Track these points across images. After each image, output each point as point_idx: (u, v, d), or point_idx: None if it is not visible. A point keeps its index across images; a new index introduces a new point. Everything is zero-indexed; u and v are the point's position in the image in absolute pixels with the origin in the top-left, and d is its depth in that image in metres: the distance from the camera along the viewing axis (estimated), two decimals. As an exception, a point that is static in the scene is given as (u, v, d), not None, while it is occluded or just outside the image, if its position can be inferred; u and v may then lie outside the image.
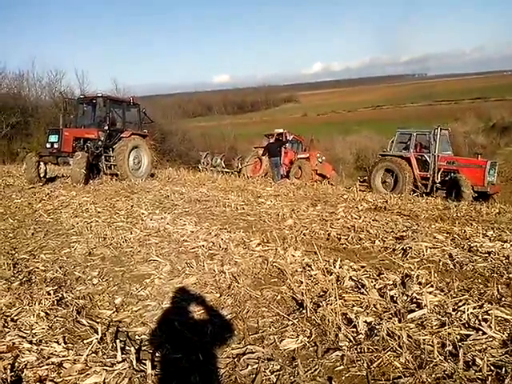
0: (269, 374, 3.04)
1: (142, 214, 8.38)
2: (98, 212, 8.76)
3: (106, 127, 14.97)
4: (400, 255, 5.74)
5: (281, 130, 23.30)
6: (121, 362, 3.13)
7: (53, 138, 14.02)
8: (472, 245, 6.07)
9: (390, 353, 3.16)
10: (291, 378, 2.99)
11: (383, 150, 19.74)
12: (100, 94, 15.49)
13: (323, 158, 22.85)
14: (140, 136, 16.19)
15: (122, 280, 5.00)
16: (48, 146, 14.15)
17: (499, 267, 5.14)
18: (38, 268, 5.46)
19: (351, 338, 3.42)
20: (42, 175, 13.93)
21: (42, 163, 13.98)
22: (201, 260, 5.45)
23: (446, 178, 15.94)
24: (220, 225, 7.51)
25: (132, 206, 9.34)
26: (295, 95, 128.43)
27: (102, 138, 14.86)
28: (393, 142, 17.98)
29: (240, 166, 23.94)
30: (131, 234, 6.87)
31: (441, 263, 5.35)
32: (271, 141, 18.67)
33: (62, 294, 4.53)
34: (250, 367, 3.13)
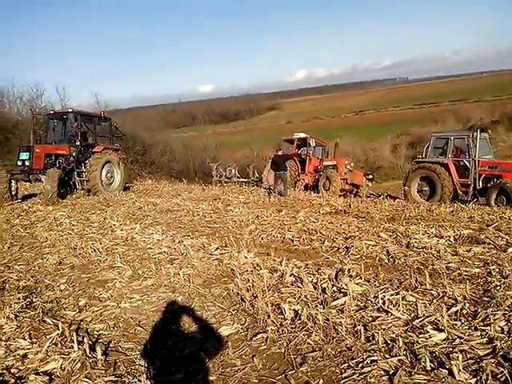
0: (203, 354, 3.58)
1: (114, 225, 8.90)
2: (72, 225, 9.25)
3: (78, 142, 14.99)
4: (343, 253, 6.34)
5: (302, 135, 21.01)
6: (76, 351, 3.66)
7: (24, 156, 13.90)
8: (411, 241, 6.71)
9: (305, 333, 3.74)
10: (221, 357, 3.55)
11: (418, 156, 18.32)
12: (70, 109, 15.54)
13: (352, 164, 20.82)
14: (112, 150, 16.28)
15: (87, 285, 5.52)
16: (19, 163, 13.98)
17: (428, 260, 5.76)
18: (11, 278, 5.96)
19: (277, 323, 3.99)
20: (13, 193, 13.71)
21: (13, 181, 13.79)
22: (161, 265, 5.99)
23: (489, 185, 14.51)
24: (186, 233, 8.06)
25: (105, 218, 9.85)
26: (279, 103, 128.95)
27: (74, 154, 14.87)
28: (428, 147, 16.55)
29: (257, 175, 22.41)
30: (100, 244, 7.38)
31: (377, 258, 5.96)
32: (279, 153, 17.05)
33: (31, 299, 5.04)
34: (187, 350, 3.68)
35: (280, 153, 16.85)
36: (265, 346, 3.66)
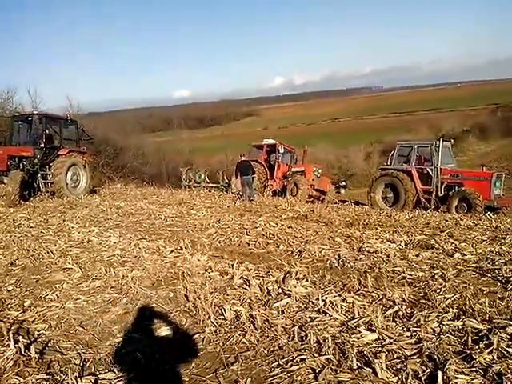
0: (138, 354, 3.60)
1: (72, 227, 8.84)
2: (30, 227, 9.16)
3: (42, 145, 14.91)
4: (296, 256, 6.43)
5: (271, 141, 21.25)
6: (12, 349, 3.64)
7: None
8: (363, 246, 6.84)
9: (241, 333, 3.80)
10: (157, 356, 3.57)
11: (383, 163, 18.59)
12: (35, 112, 15.46)
13: (319, 170, 21.06)
14: (78, 153, 16.17)
15: (35, 286, 5.47)
16: None
17: (376, 264, 5.88)
18: (-42, 279, 5.85)
19: (216, 324, 4.04)
20: None
21: None
22: (112, 267, 5.98)
23: (450, 193, 15.00)
24: (143, 235, 8.06)
25: (64, 220, 9.78)
26: (256, 109, 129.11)
27: (38, 156, 14.76)
28: (393, 155, 16.89)
29: (226, 180, 22.28)
30: (55, 245, 7.33)
31: (328, 262, 6.06)
32: (243, 158, 17.08)
33: (-24, 300, 4.98)
34: (124, 350, 3.69)
35: (244, 158, 17.03)
36: (201, 346, 3.71)
